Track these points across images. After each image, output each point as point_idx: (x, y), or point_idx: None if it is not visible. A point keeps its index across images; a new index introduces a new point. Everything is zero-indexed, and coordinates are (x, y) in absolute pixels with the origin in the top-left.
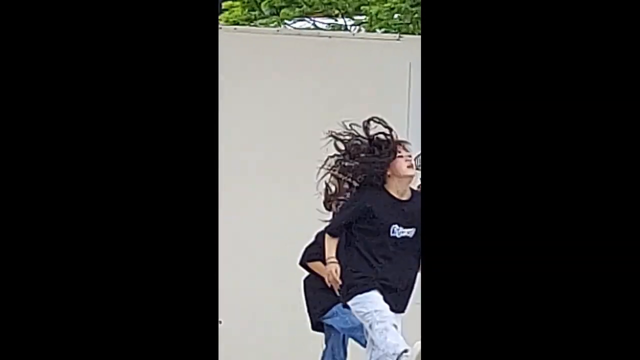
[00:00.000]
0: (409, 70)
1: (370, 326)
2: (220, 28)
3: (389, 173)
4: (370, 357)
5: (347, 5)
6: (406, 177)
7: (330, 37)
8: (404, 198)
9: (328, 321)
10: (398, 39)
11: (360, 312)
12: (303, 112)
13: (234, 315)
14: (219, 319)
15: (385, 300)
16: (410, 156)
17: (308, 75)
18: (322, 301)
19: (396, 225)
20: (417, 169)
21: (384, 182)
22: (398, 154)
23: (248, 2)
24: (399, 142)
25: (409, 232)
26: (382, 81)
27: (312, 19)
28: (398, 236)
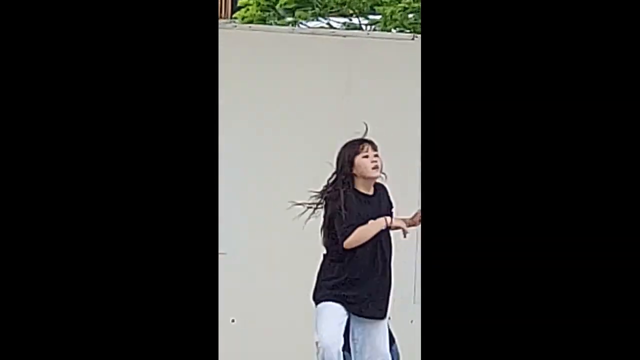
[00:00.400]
0: None
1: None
2: (235, 26)
3: (354, 172)
4: None
5: (361, 5)
6: (370, 178)
7: (344, 36)
8: (370, 192)
9: None
10: (412, 39)
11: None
12: (316, 111)
13: (246, 314)
14: (232, 318)
15: (354, 309)
16: (376, 156)
17: (322, 74)
18: None
19: (372, 221)
20: None
21: (352, 181)
22: (363, 154)
23: (263, 3)
24: (367, 142)
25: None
26: (396, 81)
27: (327, 18)
28: None
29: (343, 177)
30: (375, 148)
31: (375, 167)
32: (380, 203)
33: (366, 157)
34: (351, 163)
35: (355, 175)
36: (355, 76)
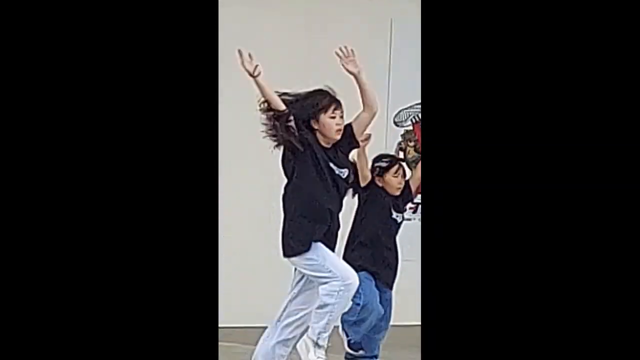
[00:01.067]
0: (391, 27)
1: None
2: None
3: (316, 127)
4: None
5: None
6: (333, 139)
7: None
8: (328, 145)
9: None
10: None
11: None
12: (286, 68)
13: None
14: None
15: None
16: (342, 117)
17: (290, 31)
18: None
19: (332, 164)
20: None
21: (314, 135)
22: (330, 115)
23: None
24: (336, 102)
25: (342, 172)
26: (364, 37)
27: None
28: (336, 172)
29: (305, 130)
30: (341, 109)
31: (339, 130)
32: (343, 151)
33: (333, 117)
34: (316, 119)
35: (317, 130)
36: (324, 33)
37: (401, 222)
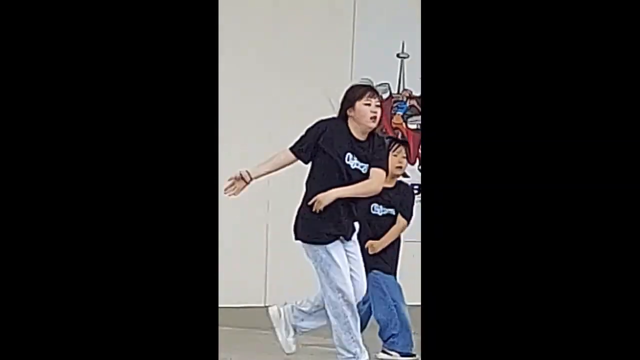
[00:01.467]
0: (354, 3)
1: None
2: None
3: (351, 114)
4: None
5: None
6: (365, 127)
7: None
8: (362, 138)
9: None
10: None
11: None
12: (248, 45)
13: None
14: None
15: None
16: (378, 106)
17: (255, 8)
18: None
19: (350, 154)
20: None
21: (345, 117)
22: (365, 102)
23: None
24: (371, 90)
25: (363, 167)
26: (327, 14)
27: None
28: (352, 166)
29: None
30: (378, 98)
31: (374, 118)
32: (372, 149)
33: (367, 104)
34: (352, 107)
35: (351, 117)
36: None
37: (392, 216)
